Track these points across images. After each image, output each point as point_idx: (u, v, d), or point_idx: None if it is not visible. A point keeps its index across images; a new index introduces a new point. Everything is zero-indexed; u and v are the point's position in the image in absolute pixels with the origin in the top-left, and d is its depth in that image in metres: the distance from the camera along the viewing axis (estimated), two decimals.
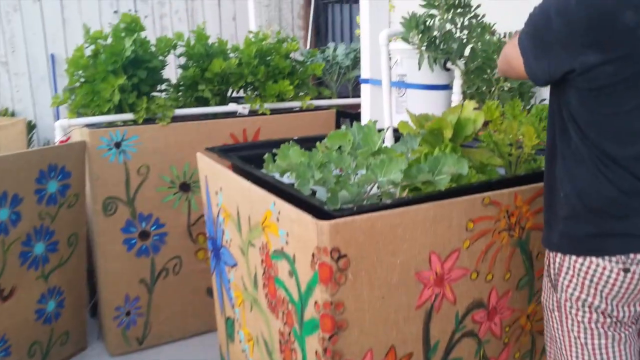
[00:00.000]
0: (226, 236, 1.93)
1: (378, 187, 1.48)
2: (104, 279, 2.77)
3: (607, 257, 1.35)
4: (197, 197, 2.84)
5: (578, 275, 1.40)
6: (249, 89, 3.11)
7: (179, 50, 2.98)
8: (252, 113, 2.98)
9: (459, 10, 2.23)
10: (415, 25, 2.19)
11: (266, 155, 1.69)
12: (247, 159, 1.94)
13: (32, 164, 2.41)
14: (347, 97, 3.56)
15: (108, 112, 2.68)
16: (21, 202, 2.39)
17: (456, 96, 2.33)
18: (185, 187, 2.83)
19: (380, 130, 1.61)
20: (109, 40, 2.70)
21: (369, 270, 1.37)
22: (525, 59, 1.37)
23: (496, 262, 1.62)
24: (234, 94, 3.21)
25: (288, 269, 1.47)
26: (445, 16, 2.22)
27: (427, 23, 2.21)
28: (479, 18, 2.25)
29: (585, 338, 1.44)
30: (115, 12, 4.75)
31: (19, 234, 2.41)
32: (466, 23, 2.26)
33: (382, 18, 2.63)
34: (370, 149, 1.56)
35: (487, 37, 2.24)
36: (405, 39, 2.24)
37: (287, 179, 1.69)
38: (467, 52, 2.28)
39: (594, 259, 1.36)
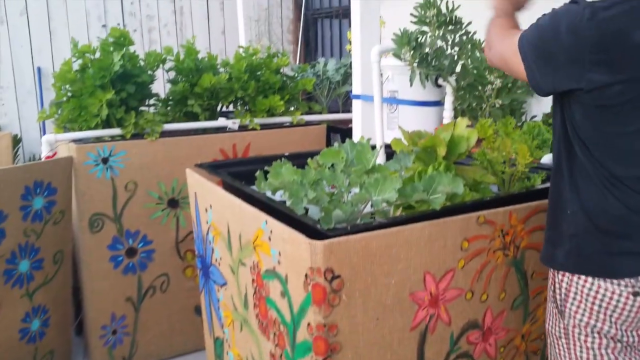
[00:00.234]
0: (216, 254, 1.89)
1: (372, 206, 1.46)
2: (89, 296, 2.72)
3: (615, 281, 1.32)
4: (185, 214, 2.80)
5: (586, 300, 1.38)
6: (239, 103, 3.09)
7: (168, 64, 2.95)
8: (242, 128, 2.96)
9: (450, 27, 2.24)
10: (407, 42, 2.19)
11: (258, 173, 1.66)
12: (238, 175, 1.92)
13: (17, 180, 2.36)
14: (338, 112, 3.55)
15: (95, 127, 2.64)
16: (6, 219, 2.33)
17: (448, 112, 2.34)
18: (173, 204, 2.79)
19: (373, 148, 1.59)
20: (97, 55, 2.67)
21: (363, 291, 1.34)
22: (528, 69, 1.34)
23: (491, 282, 1.60)
24: (224, 109, 3.19)
25: (280, 290, 1.43)
26: (437, 33, 2.24)
27: (419, 40, 2.22)
28: (470, 35, 2.27)
29: None
30: (104, 26, 4.71)
31: (3, 251, 2.35)
32: (457, 40, 2.28)
33: (373, 34, 2.63)
34: (364, 166, 1.54)
35: (478, 54, 2.25)
36: (397, 56, 2.25)
37: (278, 196, 1.66)
38: (458, 68, 2.29)
39: (602, 282, 1.34)
